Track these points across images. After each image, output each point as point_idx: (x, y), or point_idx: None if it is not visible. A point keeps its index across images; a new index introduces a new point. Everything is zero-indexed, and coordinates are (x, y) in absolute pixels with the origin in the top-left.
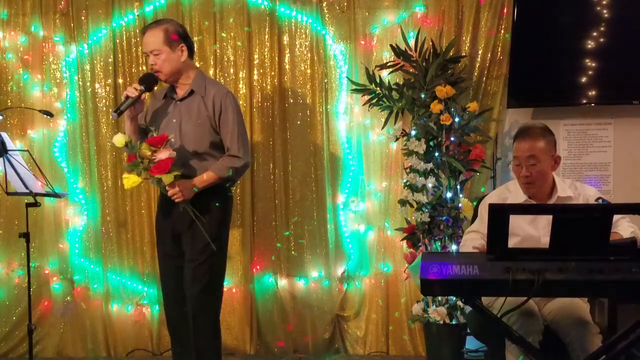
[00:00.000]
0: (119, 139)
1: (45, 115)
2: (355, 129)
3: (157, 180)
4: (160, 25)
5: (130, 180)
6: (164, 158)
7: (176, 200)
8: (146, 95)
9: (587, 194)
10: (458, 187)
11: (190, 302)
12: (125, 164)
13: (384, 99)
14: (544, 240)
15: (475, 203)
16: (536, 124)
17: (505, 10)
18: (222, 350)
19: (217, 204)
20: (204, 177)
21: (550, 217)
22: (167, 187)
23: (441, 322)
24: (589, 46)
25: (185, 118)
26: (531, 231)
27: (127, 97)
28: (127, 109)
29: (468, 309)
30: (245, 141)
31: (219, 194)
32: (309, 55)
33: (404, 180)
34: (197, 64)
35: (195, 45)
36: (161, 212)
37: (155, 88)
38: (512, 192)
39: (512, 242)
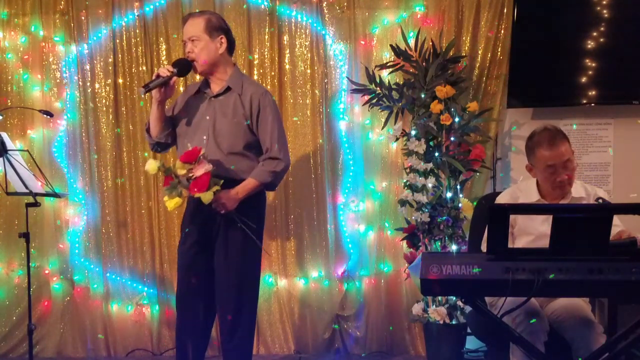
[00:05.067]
0: (152, 166)
1: (45, 115)
2: (355, 129)
3: (197, 198)
4: (203, 15)
5: (172, 202)
6: (200, 174)
7: (220, 212)
8: (175, 81)
9: (597, 194)
10: (458, 187)
11: (222, 321)
12: (163, 188)
13: (384, 99)
14: None
15: (475, 203)
16: (550, 127)
17: (505, 10)
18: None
19: (252, 212)
20: (246, 185)
21: None
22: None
23: (441, 322)
24: (589, 46)
25: (219, 116)
26: (545, 230)
27: (158, 76)
28: (156, 87)
29: (468, 309)
30: (285, 142)
31: (253, 200)
32: (309, 55)
33: (404, 180)
34: None
35: None
36: (189, 214)
37: (188, 83)
38: (523, 192)
39: (525, 241)
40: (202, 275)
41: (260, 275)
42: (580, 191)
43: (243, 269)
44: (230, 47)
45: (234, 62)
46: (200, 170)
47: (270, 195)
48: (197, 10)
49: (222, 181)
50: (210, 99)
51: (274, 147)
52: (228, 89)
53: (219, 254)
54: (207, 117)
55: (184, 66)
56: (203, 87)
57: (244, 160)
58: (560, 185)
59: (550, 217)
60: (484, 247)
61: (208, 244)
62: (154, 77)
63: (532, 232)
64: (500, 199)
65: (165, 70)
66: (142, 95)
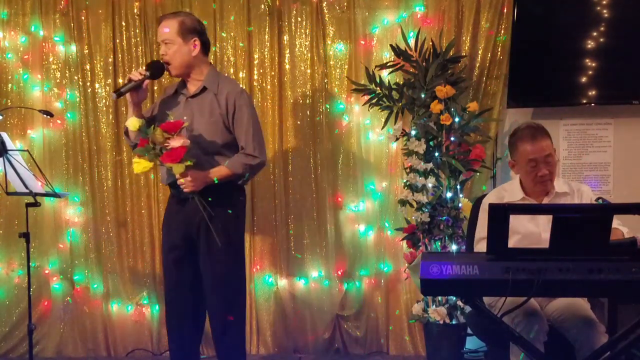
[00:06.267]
0: (133, 123)
1: (45, 115)
2: (355, 129)
3: (169, 168)
4: (176, 17)
5: (141, 165)
6: (176, 146)
7: (184, 190)
8: (148, 83)
9: (581, 190)
10: (458, 187)
11: (213, 321)
12: (136, 148)
13: (384, 99)
14: (545, 236)
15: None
16: (532, 123)
17: (505, 10)
18: None
19: (229, 210)
20: (218, 171)
21: None
22: (177, 175)
23: (441, 322)
24: (589, 46)
25: (197, 116)
26: (532, 228)
27: (130, 80)
28: (128, 92)
29: (468, 309)
30: (261, 140)
31: (231, 196)
32: (309, 55)
33: (404, 180)
34: None
35: None
36: (170, 213)
37: (164, 81)
38: (508, 192)
39: (514, 240)
40: (189, 275)
41: (245, 270)
42: (564, 187)
43: (228, 266)
44: (205, 48)
45: (210, 62)
46: (177, 142)
47: (270, 195)
48: (189, 10)
49: (194, 160)
50: (187, 99)
51: (250, 145)
52: (204, 89)
53: (203, 252)
54: (185, 117)
55: (157, 69)
56: (180, 87)
57: (223, 160)
58: (541, 181)
59: (536, 216)
60: (480, 247)
61: (191, 243)
62: (126, 81)
63: (519, 231)
64: (487, 201)
65: (137, 73)
66: (114, 99)
